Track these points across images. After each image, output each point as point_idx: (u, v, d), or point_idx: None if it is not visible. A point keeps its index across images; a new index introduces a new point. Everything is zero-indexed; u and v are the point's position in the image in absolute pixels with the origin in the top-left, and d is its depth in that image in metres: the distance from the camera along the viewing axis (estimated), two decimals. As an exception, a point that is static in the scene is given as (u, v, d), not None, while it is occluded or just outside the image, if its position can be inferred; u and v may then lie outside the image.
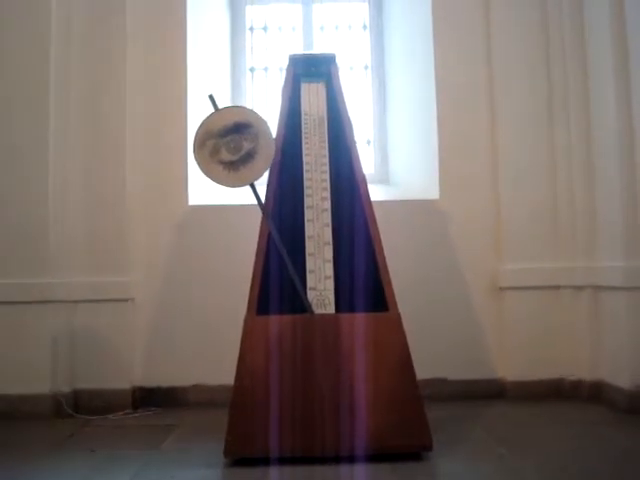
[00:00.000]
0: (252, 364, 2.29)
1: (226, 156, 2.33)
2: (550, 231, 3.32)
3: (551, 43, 3.35)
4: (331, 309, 2.37)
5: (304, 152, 2.51)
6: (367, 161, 3.73)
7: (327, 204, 2.46)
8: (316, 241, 2.42)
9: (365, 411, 2.24)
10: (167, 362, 3.27)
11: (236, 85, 3.83)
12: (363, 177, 2.49)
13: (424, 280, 3.31)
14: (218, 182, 2.35)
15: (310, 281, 2.39)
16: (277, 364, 2.28)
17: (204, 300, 3.28)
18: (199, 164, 2.34)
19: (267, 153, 2.36)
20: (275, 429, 2.21)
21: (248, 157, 2.33)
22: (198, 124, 2.37)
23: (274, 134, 2.41)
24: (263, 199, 2.43)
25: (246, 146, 2.33)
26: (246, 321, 2.33)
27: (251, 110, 2.41)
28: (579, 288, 3.24)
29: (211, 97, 2.40)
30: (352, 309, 2.35)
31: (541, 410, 3.01)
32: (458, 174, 3.37)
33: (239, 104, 3.79)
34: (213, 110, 2.38)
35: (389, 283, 2.37)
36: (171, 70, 3.40)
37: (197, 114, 3.44)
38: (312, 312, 2.35)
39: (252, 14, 3.92)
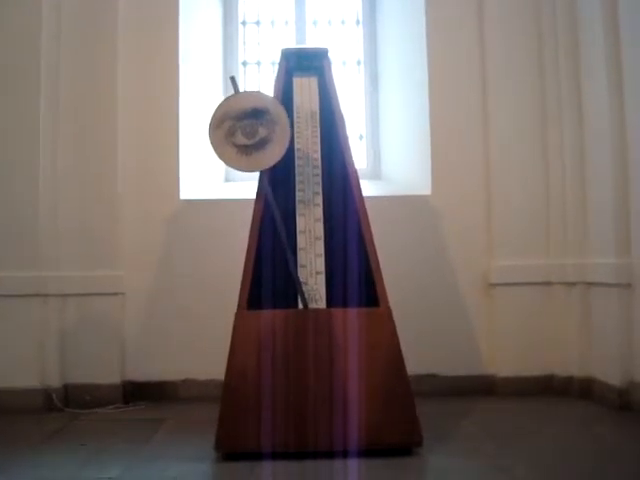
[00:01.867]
0: (242, 359, 2.28)
1: (241, 140, 2.32)
2: (541, 228, 3.33)
3: (544, 41, 3.35)
4: (322, 304, 2.37)
5: (296, 147, 2.50)
6: (359, 156, 3.72)
7: (319, 199, 2.45)
8: (307, 236, 2.42)
9: (356, 406, 2.24)
10: (158, 357, 3.26)
11: (228, 79, 3.81)
12: (355, 172, 2.48)
13: (415, 276, 3.31)
14: (229, 164, 2.37)
15: (301, 276, 2.39)
16: (268, 359, 2.27)
17: (195, 295, 3.28)
18: (213, 144, 2.34)
19: (281, 142, 2.35)
20: (266, 424, 2.21)
21: (262, 143, 2.33)
22: (216, 105, 2.38)
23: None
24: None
25: (261, 132, 2.33)
26: (237, 316, 2.33)
27: (271, 98, 2.40)
28: (570, 284, 3.25)
29: (232, 79, 2.39)
30: (343, 304, 2.35)
31: (531, 406, 3.02)
32: (450, 170, 3.38)
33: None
34: (233, 92, 2.37)
35: (380, 278, 2.37)
36: (163, 64, 3.38)
37: (189, 109, 3.44)
38: (306, 306, 2.34)
39: (244, 8, 3.90)
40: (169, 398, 3.23)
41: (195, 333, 3.25)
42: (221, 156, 2.34)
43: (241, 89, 2.43)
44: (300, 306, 2.36)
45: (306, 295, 2.36)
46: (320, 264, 2.39)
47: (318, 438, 2.22)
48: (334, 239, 2.41)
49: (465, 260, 3.35)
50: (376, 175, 3.75)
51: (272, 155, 2.35)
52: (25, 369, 3.06)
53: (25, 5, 3.18)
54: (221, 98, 3.69)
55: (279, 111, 2.36)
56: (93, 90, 3.27)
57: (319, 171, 2.48)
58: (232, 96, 2.38)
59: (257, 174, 2.47)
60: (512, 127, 3.36)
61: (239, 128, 2.32)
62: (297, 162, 2.49)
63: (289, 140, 2.37)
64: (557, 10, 3.32)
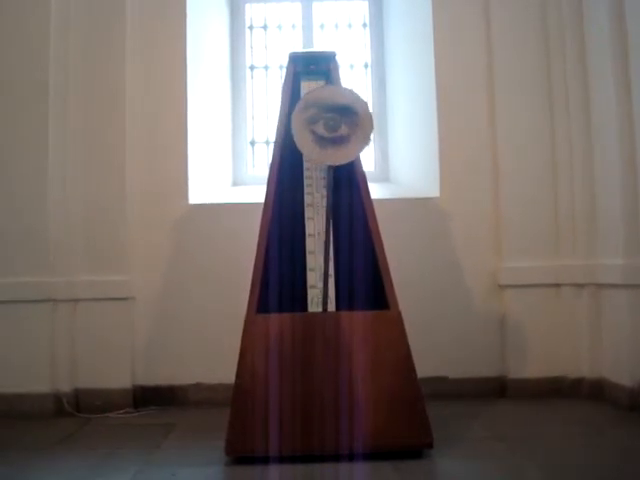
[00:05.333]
0: (252, 362, 2.28)
1: (321, 130, 2.31)
2: (550, 229, 3.32)
3: (551, 39, 3.34)
4: (332, 307, 2.37)
5: (304, 150, 2.51)
6: (367, 159, 3.72)
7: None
8: (316, 239, 2.42)
9: (365, 409, 2.23)
10: (167, 361, 3.27)
11: (236, 83, 3.83)
12: (363, 175, 2.48)
13: (424, 278, 3.30)
14: (302, 148, 2.34)
15: (310, 279, 2.39)
16: (277, 362, 2.27)
17: (204, 299, 3.28)
18: (293, 124, 2.33)
19: (358, 146, 2.33)
20: (275, 427, 2.21)
21: (340, 141, 2.31)
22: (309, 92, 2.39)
23: (371, 137, 2.37)
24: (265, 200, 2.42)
25: (343, 130, 2.31)
26: (246, 320, 2.33)
27: (364, 102, 2.37)
28: (579, 286, 3.23)
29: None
30: (353, 307, 2.35)
31: (542, 408, 3.01)
32: (458, 172, 3.37)
33: (240, 103, 3.80)
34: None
35: (390, 281, 2.37)
36: (171, 69, 3.39)
37: (197, 113, 3.45)
38: (325, 310, 2.34)
39: (252, 12, 3.92)
40: (179, 402, 3.23)
41: (205, 337, 3.25)
42: (298, 139, 2.32)
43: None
44: (313, 309, 2.37)
45: (315, 298, 2.36)
46: (329, 267, 2.39)
47: (327, 441, 2.21)
48: (343, 242, 2.41)
49: (474, 262, 3.34)
50: (384, 178, 3.75)
51: (345, 155, 2.33)
52: (36, 374, 3.06)
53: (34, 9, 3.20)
54: (229, 102, 3.76)
55: (367, 117, 2.34)
56: (102, 95, 3.28)
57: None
58: (328, 86, 2.38)
59: (265, 177, 2.49)
60: (520, 129, 3.35)
61: (323, 119, 2.30)
62: (305, 165, 2.50)
63: (364, 148, 2.36)
64: (563, 12, 3.31)
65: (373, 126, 2.35)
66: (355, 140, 2.32)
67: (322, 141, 2.31)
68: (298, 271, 2.39)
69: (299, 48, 3.80)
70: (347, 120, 2.31)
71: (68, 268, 3.17)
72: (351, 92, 2.37)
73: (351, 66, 3.88)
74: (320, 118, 2.31)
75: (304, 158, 2.46)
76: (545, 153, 3.34)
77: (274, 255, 2.39)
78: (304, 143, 2.32)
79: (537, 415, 2.88)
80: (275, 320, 2.32)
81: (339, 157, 2.33)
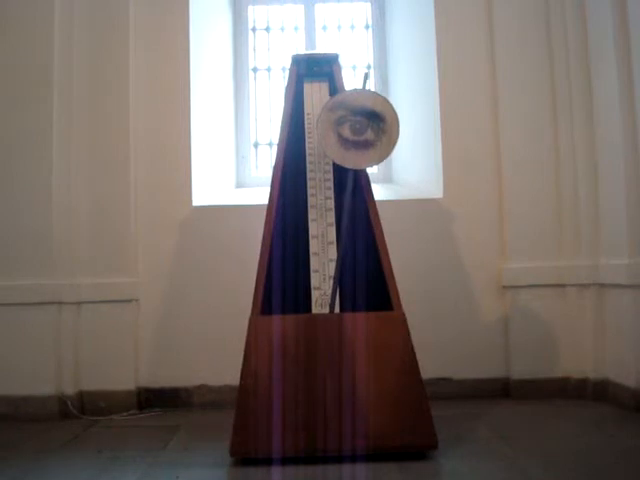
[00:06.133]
0: (257, 364, 2.28)
1: (346, 132, 2.31)
2: (554, 229, 3.31)
3: (553, 40, 3.34)
4: (335, 308, 2.37)
5: (307, 152, 2.52)
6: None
7: (331, 203, 2.46)
8: (320, 240, 2.42)
9: (369, 410, 2.24)
10: (172, 363, 3.27)
11: (239, 85, 3.83)
12: (367, 176, 2.49)
13: (428, 279, 3.30)
14: (324, 147, 2.34)
15: (314, 281, 2.39)
16: (281, 364, 2.27)
17: (208, 300, 3.28)
18: (320, 123, 2.33)
19: (382, 153, 2.33)
20: (279, 429, 2.21)
21: (364, 145, 2.31)
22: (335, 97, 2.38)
23: (395, 146, 2.36)
24: (268, 200, 2.42)
25: (369, 135, 2.31)
26: (251, 321, 2.33)
27: (394, 110, 2.36)
28: (584, 286, 3.23)
29: (366, 76, 2.38)
30: (356, 308, 2.35)
31: (546, 408, 3.01)
32: (462, 173, 3.37)
33: (243, 105, 3.81)
34: (361, 87, 2.37)
35: (393, 282, 2.37)
36: (174, 70, 3.39)
37: (201, 115, 3.46)
38: (332, 311, 2.35)
39: (254, 14, 3.92)
40: (184, 404, 3.24)
41: (209, 339, 3.25)
42: (322, 137, 2.32)
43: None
44: (317, 310, 2.37)
45: (319, 300, 2.36)
46: (333, 268, 2.40)
47: (331, 443, 2.21)
48: (346, 243, 2.41)
49: (477, 263, 3.34)
50: (387, 179, 3.75)
51: (367, 160, 2.33)
52: (40, 376, 3.07)
53: (37, 11, 3.21)
54: (232, 104, 3.76)
55: (394, 126, 2.33)
56: (106, 98, 3.29)
57: (330, 176, 2.49)
58: (359, 90, 2.36)
59: (268, 179, 2.49)
60: (523, 128, 3.35)
61: (350, 121, 2.30)
62: (308, 167, 2.50)
63: (388, 156, 2.36)
64: (566, 12, 3.30)
65: (399, 135, 2.34)
66: (379, 146, 2.32)
67: (346, 143, 2.31)
68: (302, 272, 2.40)
69: (302, 50, 3.81)
70: (374, 126, 2.31)
71: (72, 270, 3.18)
72: (382, 99, 2.36)
73: (354, 67, 3.88)
74: (347, 120, 2.31)
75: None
76: (548, 153, 3.33)
77: (278, 256, 2.40)
78: (328, 143, 2.32)
79: (541, 416, 2.88)
80: (279, 321, 2.32)
81: (361, 161, 2.33)
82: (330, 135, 2.31)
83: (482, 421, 2.77)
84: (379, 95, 2.38)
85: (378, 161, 2.36)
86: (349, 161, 2.32)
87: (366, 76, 2.39)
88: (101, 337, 3.19)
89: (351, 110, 2.31)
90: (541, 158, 3.34)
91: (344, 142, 2.30)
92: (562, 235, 3.30)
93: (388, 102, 2.36)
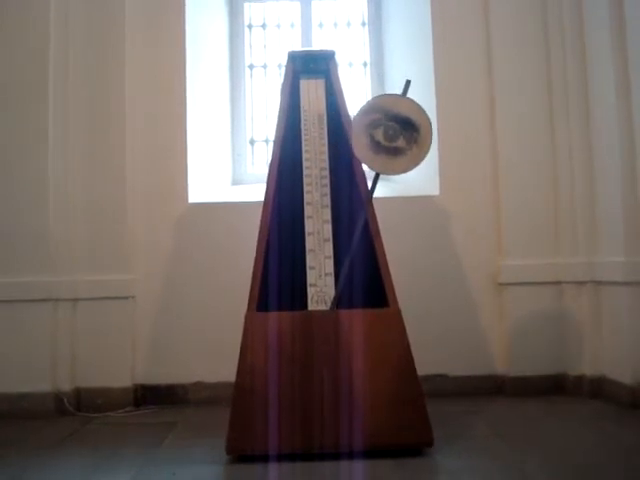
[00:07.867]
0: (253, 361, 2.28)
1: (379, 136, 2.28)
2: (551, 227, 3.32)
3: (550, 39, 3.34)
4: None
5: (304, 149, 2.51)
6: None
7: (327, 200, 2.46)
8: (316, 237, 2.42)
9: (365, 407, 2.24)
10: (168, 360, 3.27)
11: (235, 82, 3.83)
12: (363, 173, 2.49)
13: (424, 276, 3.31)
14: (355, 149, 2.31)
15: (310, 278, 2.39)
16: (277, 360, 2.27)
17: (204, 298, 3.28)
18: (354, 123, 2.30)
19: (411, 161, 2.30)
20: (275, 426, 2.21)
21: (394, 152, 2.28)
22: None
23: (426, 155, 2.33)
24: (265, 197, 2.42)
25: (400, 142, 2.29)
26: (247, 318, 2.33)
27: (429, 121, 2.33)
28: (580, 284, 3.23)
29: (408, 82, 2.35)
30: (352, 305, 2.35)
31: (542, 405, 3.01)
32: (458, 170, 3.37)
33: (239, 102, 3.80)
34: (401, 94, 2.34)
35: (389, 279, 2.37)
36: (170, 68, 3.39)
37: (197, 112, 3.45)
38: (334, 308, 2.35)
39: (251, 11, 3.92)
40: (180, 401, 3.24)
41: (205, 336, 3.25)
42: (354, 137, 2.30)
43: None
44: (313, 307, 2.37)
45: (315, 297, 2.36)
46: (329, 266, 2.40)
47: (327, 440, 2.21)
48: (342, 241, 2.41)
49: (474, 260, 3.34)
50: (384, 176, 3.74)
51: (396, 167, 2.30)
52: (36, 373, 3.07)
53: (32, 9, 3.20)
54: (228, 101, 3.76)
55: (427, 137, 2.31)
56: (101, 95, 3.28)
57: (327, 173, 2.49)
58: (397, 96, 2.34)
59: (264, 176, 2.49)
60: (520, 126, 3.35)
61: (383, 126, 2.28)
62: (305, 164, 2.50)
63: (416, 166, 2.32)
64: (564, 11, 3.30)
65: (430, 147, 2.31)
66: (410, 155, 2.29)
67: (377, 148, 2.28)
68: (298, 269, 2.39)
69: (298, 47, 3.81)
70: (407, 134, 2.29)
71: (69, 267, 3.18)
72: (419, 108, 2.33)
73: (350, 65, 3.88)
74: (381, 124, 2.29)
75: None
76: (545, 150, 3.34)
77: (274, 253, 2.40)
78: (358, 143, 2.30)
79: (537, 413, 2.88)
80: (275, 318, 2.32)
81: (389, 168, 2.31)
82: (361, 137, 2.29)
83: (478, 418, 2.77)
84: (416, 104, 2.34)
85: (404, 171, 2.32)
86: (377, 165, 2.30)
87: (408, 83, 2.34)
88: (97, 334, 3.18)
89: (386, 114, 2.29)
90: (538, 155, 3.34)
91: (375, 145, 2.28)
92: (558, 232, 3.31)
93: (425, 113, 2.33)
